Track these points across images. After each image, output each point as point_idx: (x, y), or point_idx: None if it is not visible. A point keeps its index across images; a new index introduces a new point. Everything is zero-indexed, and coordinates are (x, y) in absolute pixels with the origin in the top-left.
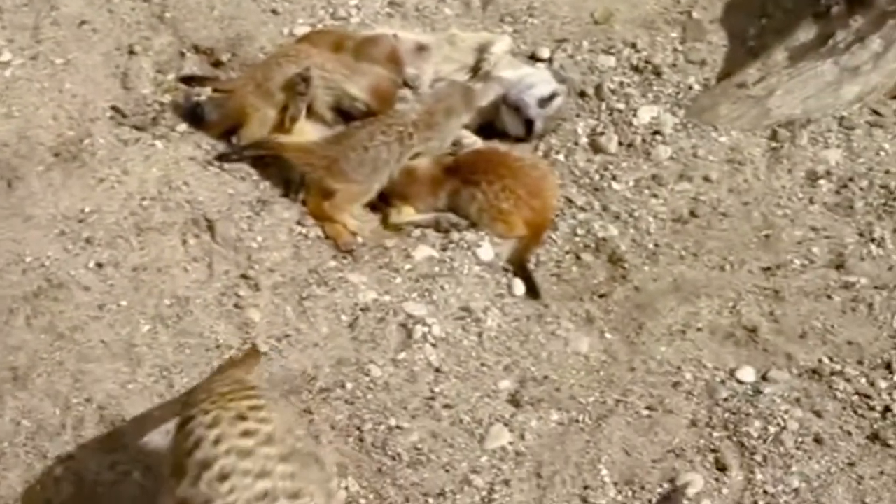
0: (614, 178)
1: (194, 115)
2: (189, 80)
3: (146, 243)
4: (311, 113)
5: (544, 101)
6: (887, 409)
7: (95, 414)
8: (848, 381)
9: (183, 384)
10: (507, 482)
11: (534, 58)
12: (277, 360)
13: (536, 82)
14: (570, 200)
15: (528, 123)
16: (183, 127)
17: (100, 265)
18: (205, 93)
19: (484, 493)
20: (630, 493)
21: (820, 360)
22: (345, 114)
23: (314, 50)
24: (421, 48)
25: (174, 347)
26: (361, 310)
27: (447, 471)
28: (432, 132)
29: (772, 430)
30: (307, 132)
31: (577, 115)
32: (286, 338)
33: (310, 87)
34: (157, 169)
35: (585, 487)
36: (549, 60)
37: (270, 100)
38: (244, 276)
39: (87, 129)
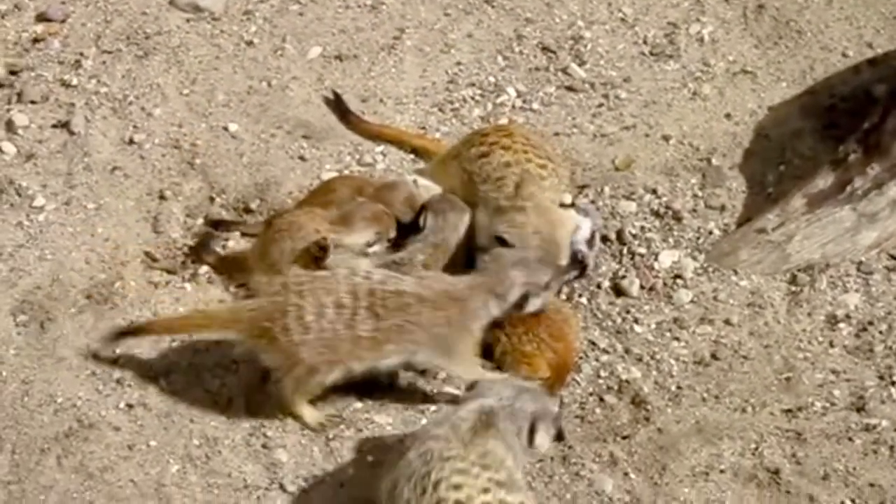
0: (636, 321)
1: (203, 245)
2: (217, 224)
3: (175, 384)
4: None
5: (590, 241)
6: None
7: None
8: None
9: None
10: None
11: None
12: (303, 499)
13: (578, 223)
14: (593, 343)
15: (581, 264)
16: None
17: (130, 406)
18: (233, 237)
19: None
20: None
21: (843, 503)
22: None
23: (303, 217)
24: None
25: (202, 487)
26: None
27: None
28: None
29: None
30: None
31: (600, 259)
32: (313, 478)
33: (328, 253)
34: (186, 310)
35: None
36: (572, 206)
37: (275, 272)
38: (274, 417)
39: (119, 272)
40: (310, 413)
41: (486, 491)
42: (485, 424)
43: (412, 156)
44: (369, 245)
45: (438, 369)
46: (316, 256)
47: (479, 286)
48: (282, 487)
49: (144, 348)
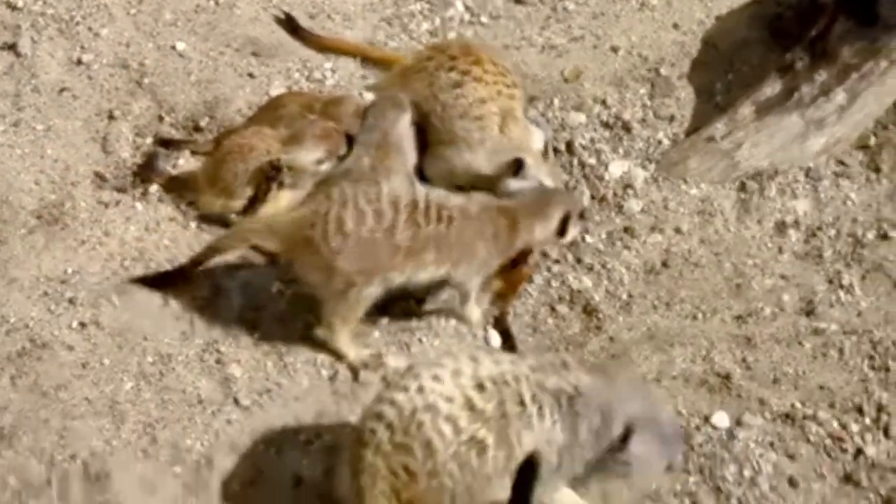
0: (587, 231)
1: (150, 164)
2: (166, 143)
3: (128, 302)
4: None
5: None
6: (860, 451)
7: (80, 470)
8: (820, 424)
9: (166, 439)
10: None
11: None
12: (258, 414)
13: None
14: (544, 253)
15: None
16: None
17: (83, 325)
18: (183, 156)
19: None
20: None
21: (793, 405)
22: None
23: (254, 138)
24: None
25: (157, 404)
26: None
27: None
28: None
29: (747, 473)
30: (284, 198)
31: None
32: (267, 392)
33: (281, 174)
34: (137, 229)
35: None
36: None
37: (228, 194)
38: (225, 333)
39: (69, 192)
40: (354, 351)
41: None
42: None
43: (362, 71)
44: (320, 163)
45: (469, 291)
46: (268, 177)
47: (525, 208)
48: (236, 402)
49: (96, 267)
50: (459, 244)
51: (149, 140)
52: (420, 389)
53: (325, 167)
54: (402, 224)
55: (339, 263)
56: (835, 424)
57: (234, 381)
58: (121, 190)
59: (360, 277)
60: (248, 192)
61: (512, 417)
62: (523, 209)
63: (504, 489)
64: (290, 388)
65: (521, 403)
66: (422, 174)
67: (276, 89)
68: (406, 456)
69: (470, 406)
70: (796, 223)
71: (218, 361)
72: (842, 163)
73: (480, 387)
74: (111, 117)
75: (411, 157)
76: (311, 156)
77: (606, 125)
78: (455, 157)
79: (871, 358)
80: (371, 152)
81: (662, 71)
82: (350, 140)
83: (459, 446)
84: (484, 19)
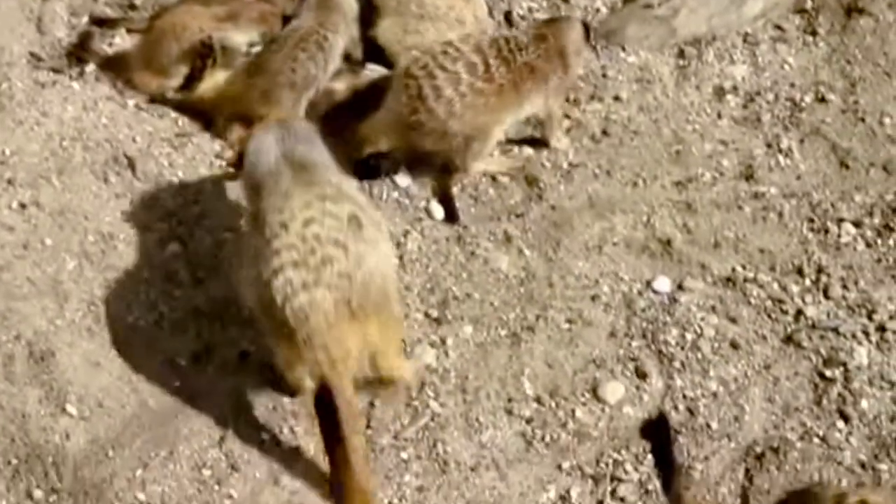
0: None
1: (85, 43)
2: (102, 22)
3: (68, 182)
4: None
5: None
6: (800, 312)
7: (25, 350)
8: (761, 287)
9: (110, 317)
10: (433, 398)
11: None
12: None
13: None
14: None
15: None
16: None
17: (23, 205)
18: (119, 34)
19: (411, 410)
20: (553, 404)
21: (733, 269)
22: None
23: (186, 17)
24: None
25: (100, 283)
26: None
27: (370, 389)
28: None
29: (689, 337)
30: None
31: None
32: (210, 269)
33: (214, 50)
34: (75, 109)
35: (510, 400)
36: None
37: (163, 73)
38: (168, 211)
39: (5, 73)
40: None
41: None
42: None
43: None
44: (252, 45)
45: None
46: (201, 55)
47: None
48: (178, 279)
49: (35, 148)
50: (544, 69)
51: (84, 19)
52: None
53: (257, 49)
54: (494, 63)
55: (452, 128)
56: (775, 287)
57: (177, 257)
58: (57, 70)
59: (475, 131)
60: (184, 70)
61: None
62: (557, 31)
63: None
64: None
65: None
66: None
67: None
68: None
69: None
70: (735, 88)
71: (160, 240)
72: (779, 27)
73: None
74: None
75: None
76: (244, 37)
77: None
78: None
79: (811, 220)
80: (312, 15)
81: None
82: (287, 20)
83: None
84: None
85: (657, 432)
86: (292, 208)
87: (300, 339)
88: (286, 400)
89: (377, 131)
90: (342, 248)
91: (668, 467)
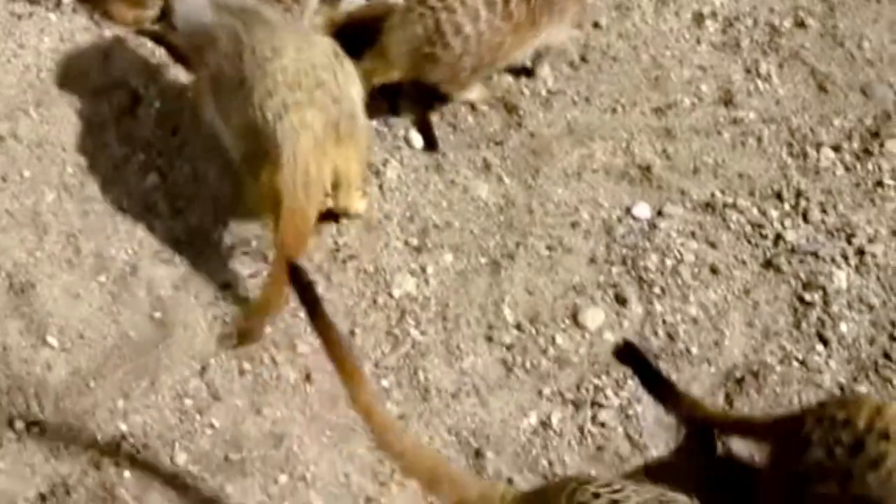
0: None
1: None
2: None
3: (46, 114)
4: None
5: None
6: (779, 237)
7: (4, 282)
8: (741, 212)
9: (90, 249)
10: (414, 326)
11: None
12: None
13: None
14: None
15: None
16: None
17: (1, 138)
18: None
19: (391, 338)
20: (534, 331)
21: (713, 194)
22: None
23: None
24: None
25: (79, 214)
26: None
27: (350, 317)
28: None
29: (669, 262)
30: None
31: None
32: (190, 198)
33: None
34: (52, 41)
35: (490, 327)
36: None
37: (139, 4)
38: (146, 141)
39: None
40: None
41: None
42: None
43: None
44: None
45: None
46: None
47: None
48: (157, 209)
49: (12, 80)
50: (562, 3)
51: None
52: None
53: None
54: (514, 2)
55: (464, 63)
56: (754, 211)
57: (156, 188)
58: (34, 2)
59: (484, 67)
60: (160, 1)
61: None
62: None
63: None
64: (212, 191)
65: None
66: None
67: None
68: None
69: None
70: (713, 14)
71: (140, 169)
72: None
73: None
74: None
75: None
76: None
77: None
78: None
79: (790, 145)
80: None
81: None
82: None
83: None
84: None
85: (629, 356)
86: (282, 37)
87: (284, 160)
88: (268, 328)
89: (386, 64)
90: (332, 74)
91: (653, 380)
